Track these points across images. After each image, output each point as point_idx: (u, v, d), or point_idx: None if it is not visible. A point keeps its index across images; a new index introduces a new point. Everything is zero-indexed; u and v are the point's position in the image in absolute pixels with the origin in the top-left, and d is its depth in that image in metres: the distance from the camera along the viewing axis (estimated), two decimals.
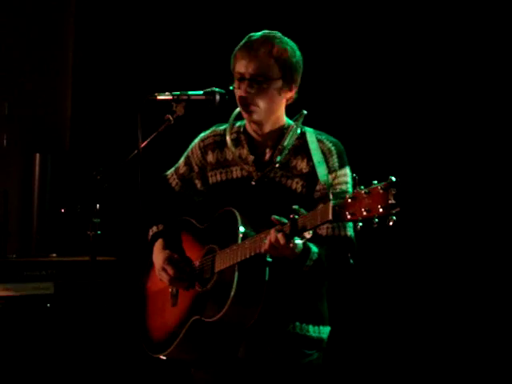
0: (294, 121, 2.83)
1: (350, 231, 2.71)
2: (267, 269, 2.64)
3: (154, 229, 3.04)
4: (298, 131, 2.80)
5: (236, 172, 2.89)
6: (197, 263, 2.91)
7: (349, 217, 2.27)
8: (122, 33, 5.17)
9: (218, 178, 2.94)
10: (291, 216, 2.46)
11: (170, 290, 2.99)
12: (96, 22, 5.19)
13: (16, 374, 4.15)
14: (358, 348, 4.50)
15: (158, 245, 2.99)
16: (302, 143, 2.79)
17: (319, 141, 2.78)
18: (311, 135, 2.79)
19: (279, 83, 2.75)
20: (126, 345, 4.46)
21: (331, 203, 2.32)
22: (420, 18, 4.39)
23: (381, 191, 2.20)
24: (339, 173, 2.73)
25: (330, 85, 4.57)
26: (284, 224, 2.48)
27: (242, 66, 2.75)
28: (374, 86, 4.51)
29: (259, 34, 2.78)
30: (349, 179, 2.74)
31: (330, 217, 2.32)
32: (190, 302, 2.88)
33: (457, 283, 4.28)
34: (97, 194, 2.74)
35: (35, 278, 4.28)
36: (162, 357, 2.93)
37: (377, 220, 2.23)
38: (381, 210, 2.19)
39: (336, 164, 2.74)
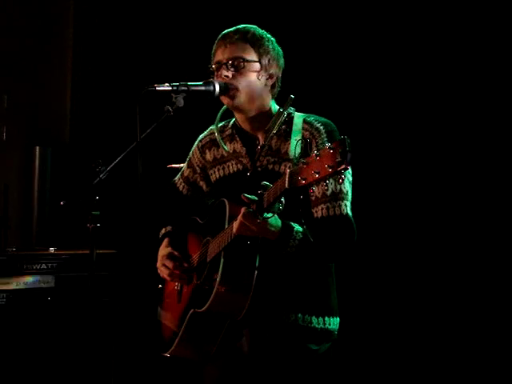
0: (282, 106, 2.81)
1: (345, 209, 2.66)
2: (258, 255, 2.62)
3: (163, 231, 3.10)
4: (285, 114, 2.78)
5: (232, 166, 2.89)
6: (196, 257, 2.91)
7: (303, 182, 2.23)
8: (120, 26, 5.16)
9: (217, 175, 2.95)
10: (258, 192, 2.43)
11: (175, 287, 2.99)
12: (95, 15, 5.17)
13: (17, 367, 4.14)
14: (371, 340, 4.49)
15: (163, 244, 3.04)
16: (288, 127, 2.77)
17: (307, 123, 2.75)
18: (298, 118, 2.77)
19: (256, 66, 2.77)
20: (126, 338, 4.45)
21: (288, 171, 2.30)
22: (415, 9, 4.40)
23: (330, 151, 2.15)
24: None
25: (330, 75, 4.58)
26: (254, 201, 2.46)
27: (219, 55, 2.80)
28: (372, 78, 4.51)
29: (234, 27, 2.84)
30: None
31: (287, 185, 2.29)
32: (189, 295, 2.89)
33: (464, 277, 4.28)
34: (96, 187, 2.72)
35: (35, 271, 4.27)
36: (167, 355, 2.93)
37: (328, 181, 2.20)
38: (329, 169, 2.14)
39: (326, 143, 2.67)
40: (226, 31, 2.82)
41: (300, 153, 2.47)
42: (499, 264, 4.19)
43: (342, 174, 2.15)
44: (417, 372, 4.40)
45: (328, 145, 2.17)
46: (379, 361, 4.48)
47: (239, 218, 2.49)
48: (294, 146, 2.57)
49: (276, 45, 2.84)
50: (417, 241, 4.40)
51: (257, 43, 2.77)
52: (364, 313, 4.46)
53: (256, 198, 2.45)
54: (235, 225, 2.52)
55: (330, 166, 2.14)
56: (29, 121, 5.14)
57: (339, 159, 2.12)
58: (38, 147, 4.81)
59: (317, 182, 2.21)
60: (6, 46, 5.08)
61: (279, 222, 2.54)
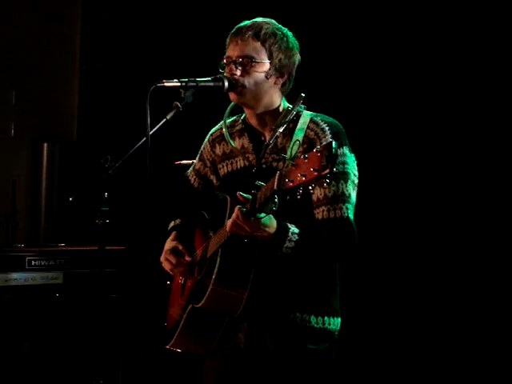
0: (292, 104, 2.77)
1: (346, 212, 2.62)
2: (255, 254, 2.60)
3: (172, 223, 3.09)
4: (294, 113, 2.74)
5: (239, 162, 2.87)
6: (199, 252, 2.92)
7: (290, 184, 2.20)
8: (128, 21, 5.16)
9: (225, 170, 2.94)
10: (252, 191, 2.40)
11: (180, 280, 3.00)
12: (103, 10, 5.17)
13: (25, 363, 4.15)
14: (373, 341, 4.49)
15: (170, 237, 3.03)
16: (294, 125, 2.73)
17: (314, 122, 2.71)
18: (305, 117, 2.73)
19: (266, 66, 2.72)
20: (134, 334, 4.45)
21: (278, 172, 2.28)
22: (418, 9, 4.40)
23: (318, 154, 2.13)
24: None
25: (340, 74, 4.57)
26: (248, 200, 2.44)
27: (230, 50, 2.76)
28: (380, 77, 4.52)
29: (251, 20, 2.79)
30: (347, 159, 2.65)
31: (275, 186, 2.27)
32: (190, 290, 2.89)
33: (466, 277, 4.28)
34: (105, 183, 2.72)
35: (44, 267, 4.27)
36: (168, 347, 2.93)
37: (313, 185, 2.17)
38: (315, 173, 2.12)
39: None
40: (240, 25, 2.76)
41: (296, 153, 2.46)
42: (501, 266, 4.19)
43: (327, 178, 2.13)
44: (418, 373, 4.40)
45: (317, 147, 2.15)
46: (380, 362, 4.49)
47: (232, 217, 2.48)
48: (291, 146, 2.55)
49: (292, 40, 2.77)
50: (421, 243, 4.40)
51: (269, 41, 2.71)
52: (367, 314, 4.46)
53: (250, 198, 2.43)
54: (228, 223, 2.51)
55: (315, 170, 2.13)
56: (37, 117, 5.15)
57: (324, 163, 2.11)
58: (45, 143, 4.82)
59: (304, 185, 2.19)
60: (14, 42, 5.09)
61: (274, 223, 2.51)
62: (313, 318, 2.71)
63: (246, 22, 2.76)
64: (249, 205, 2.42)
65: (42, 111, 5.17)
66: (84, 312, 4.26)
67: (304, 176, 2.16)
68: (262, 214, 2.42)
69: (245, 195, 2.45)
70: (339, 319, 2.79)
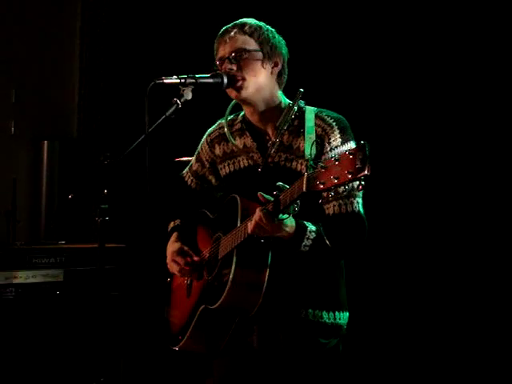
0: (292, 100, 2.79)
1: (357, 207, 2.64)
2: (270, 253, 2.61)
3: (171, 224, 3.09)
4: (296, 109, 2.76)
5: (243, 161, 2.87)
6: (206, 253, 2.91)
7: (321, 186, 2.22)
8: (128, 18, 5.16)
9: (227, 170, 2.93)
10: (274, 193, 2.42)
11: (185, 281, 2.99)
12: (102, 8, 5.16)
13: (26, 361, 4.15)
14: (379, 334, 4.48)
15: (172, 238, 3.02)
16: (300, 122, 2.75)
17: (320, 118, 2.72)
18: (310, 113, 2.75)
19: (259, 55, 2.75)
20: (135, 331, 4.46)
21: (305, 174, 2.29)
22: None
23: (350, 157, 2.14)
24: (343, 148, 2.65)
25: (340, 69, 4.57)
26: (269, 201, 2.45)
27: (220, 51, 2.79)
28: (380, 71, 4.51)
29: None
30: None
31: (304, 188, 2.28)
32: (200, 291, 2.88)
33: (471, 273, 4.27)
34: (104, 180, 2.71)
35: (44, 265, 4.27)
36: (177, 349, 2.93)
37: (347, 187, 2.18)
38: (349, 176, 2.14)
39: (338, 140, 2.67)
40: (223, 28, 2.82)
41: (316, 154, 2.47)
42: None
43: (362, 180, 2.14)
44: (423, 367, 4.40)
45: (347, 150, 2.17)
46: (387, 356, 4.48)
47: (255, 219, 2.48)
48: (310, 147, 2.55)
49: (277, 34, 2.82)
50: (425, 237, 4.39)
51: (255, 33, 2.76)
52: (373, 307, 4.46)
53: (272, 199, 2.44)
54: (250, 225, 2.51)
55: (349, 172, 2.14)
56: (37, 115, 5.15)
57: (359, 165, 2.12)
58: (46, 141, 4.83)
59: (335, 187, 2.21)
60: (14, 40, 5.09)
61: (293, 222, 2.53)
62: (325, 314, 2.73)
63: (228, 25, 2.82)
64: (271, 206, 2.43)
65: (42, 109, 5.17)
66: (85, 309, 4.26)
67: (337, 178, 2.18)
68: (285, 215, 2.44)
69: (266, 196, 2.46)
70: (347, 313, 2.82)
